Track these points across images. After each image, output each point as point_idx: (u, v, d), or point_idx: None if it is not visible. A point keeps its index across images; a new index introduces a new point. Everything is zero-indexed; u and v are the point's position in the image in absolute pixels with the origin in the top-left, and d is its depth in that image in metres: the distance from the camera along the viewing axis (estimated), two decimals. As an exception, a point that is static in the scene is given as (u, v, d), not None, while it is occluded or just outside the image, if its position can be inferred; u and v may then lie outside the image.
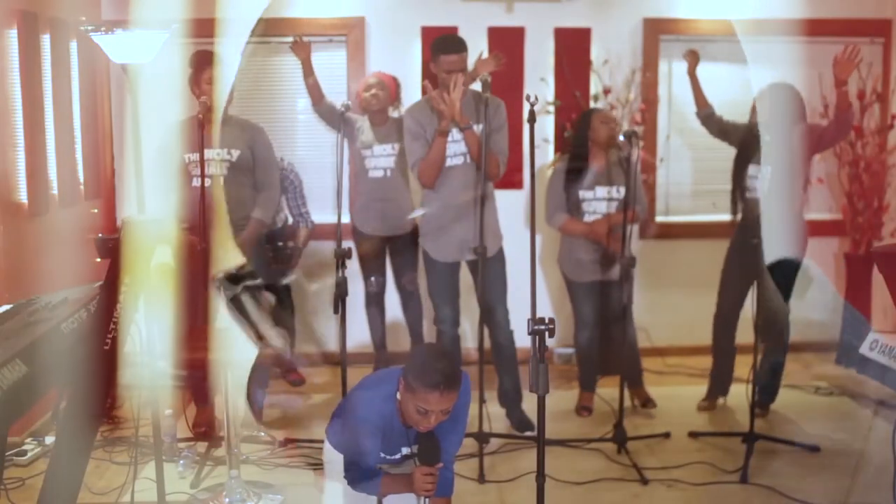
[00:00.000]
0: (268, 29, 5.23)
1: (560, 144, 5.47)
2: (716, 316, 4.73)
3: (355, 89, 5.31)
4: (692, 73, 4.73)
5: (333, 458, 2.86)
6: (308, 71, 4.69)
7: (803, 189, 4.44)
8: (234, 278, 3.80)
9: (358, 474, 2.79)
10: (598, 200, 4.47)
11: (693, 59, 4.72)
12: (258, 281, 3.92)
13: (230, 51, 4.53)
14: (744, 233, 4.45)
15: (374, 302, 5.07)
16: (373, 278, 5.01)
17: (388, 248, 4.95)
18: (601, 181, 4.47)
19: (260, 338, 3.75)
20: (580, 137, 4.53)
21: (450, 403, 2.61)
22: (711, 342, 4.77)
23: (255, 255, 4.40)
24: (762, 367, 4.39)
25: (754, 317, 4.13)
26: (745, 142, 4.49)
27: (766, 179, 4.34)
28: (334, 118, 4.82)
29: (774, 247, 4.14)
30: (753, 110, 4.44)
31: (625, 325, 4.43)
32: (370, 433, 2.71)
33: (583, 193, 4.47)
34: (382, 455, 2.79)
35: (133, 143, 3.67)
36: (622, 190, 4.42)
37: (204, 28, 4.58)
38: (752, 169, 4.43)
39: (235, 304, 3.76)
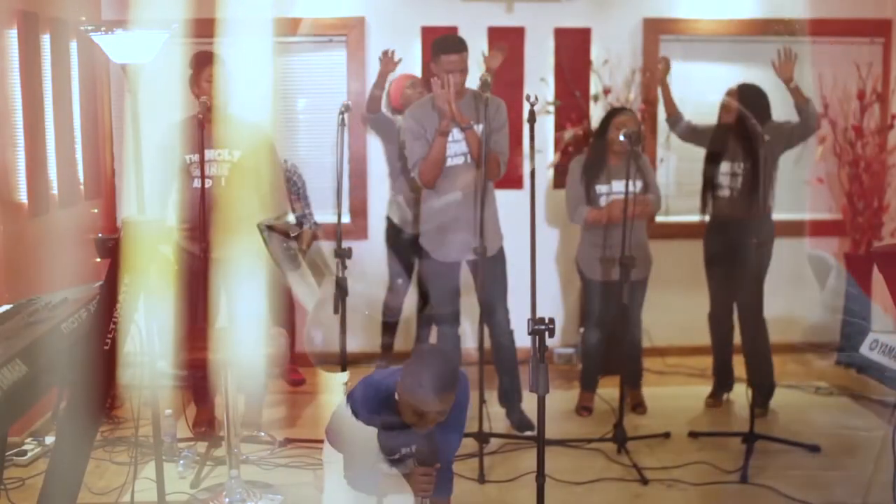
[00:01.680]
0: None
1: (560, 144, 5.47)
2: (709, 315, 4.77)
3: (355, 88, 5.33)
4: (663, 81, 4.79)
5: (333, 458, 2.86)
6: (381, 84, 4.77)
7: (770, 187, 4.48)
8: (283, 231, 3.83)
9: (357, 474, 2.79)
10: (617, 194, 4.44)
11: (665, 67, 4.79)
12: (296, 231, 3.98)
13: (230, 51, 4.53)
14: (715, 231, 4.62)
15: (395, 304, 5.06)
16: (400, 280, 5.01)
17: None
18: (617, 177, 4.44)
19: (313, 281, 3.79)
20: (600, 136, 4.54)
21: (447, 405, 2.61)
22: (711, 341, 4.79)
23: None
24: (751, 366, 4.41)
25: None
26: (713, 141, 4.56)
27: (736, 177, 4.45)
28: (382, 127, 4.87)
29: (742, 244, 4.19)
30: (722, 109, 4.51)
31: (630, 325, 4.48)
32: (369, 433, 2.72)
33: (599, 188, 4.48)
34: (382, 455, 2.79)
35: (133, 143, 3.67)
36: (638, 184, 4.43)
37: (204, 28, 4.58)
38: (723, 167, 4.51)
39: (289, 254, 3.78)
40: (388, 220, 5.07)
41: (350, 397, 2.88)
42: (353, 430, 2.76)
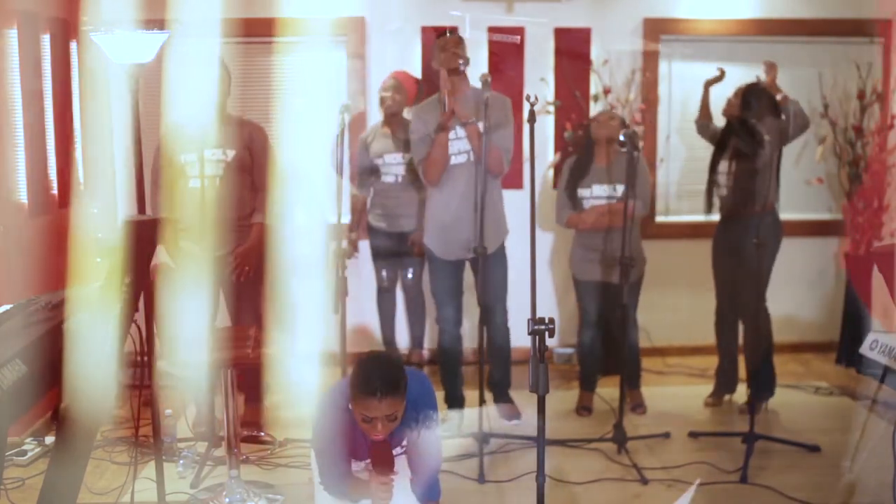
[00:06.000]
0: (268, 29, 5.24)
1: (560, 144, 5.47)
2: (716, 315, 4.76)
3: (355, 88, 5.33)
4: (708, 86, 4.87)
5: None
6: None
7: (768, 185, 4.49)
8: None
9: (330, 479, 2.82)
10: (597, 198, 4.47)
11: (718, 77, 4.85)
12: None
13: (230, 51, 4.54)
14: (720, 230, 4.62)
15: (386, 297, 5.07)
16: (384, 272, 5.02)
17: (398, 245, 4.95)
18: (601, 179, 4.47)
19: None
20: (586, 138, 4.58)
21: (392, 409, 2.62)
22: (716, 341, 4.79)
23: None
24: (752, 365, 4.41)
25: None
26: (718, 140, 4.59)
27: (731, 176, 4.47)
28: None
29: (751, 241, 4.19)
30: (729, 105, 4.53)
31: (626, 325, 4.45)
32: (332, 442, 2.76)
33: (581, 192, 4.48)
34: (353, 461, 2.83)
35: (133, 143, 3.66)
36: (619, 188, 4.44)
37: (204, 28, 4.58)
38: (721, 165, 4.53)
39: None
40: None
41: (320, 404, 2.91)
42: (319, 439, 2.80)
